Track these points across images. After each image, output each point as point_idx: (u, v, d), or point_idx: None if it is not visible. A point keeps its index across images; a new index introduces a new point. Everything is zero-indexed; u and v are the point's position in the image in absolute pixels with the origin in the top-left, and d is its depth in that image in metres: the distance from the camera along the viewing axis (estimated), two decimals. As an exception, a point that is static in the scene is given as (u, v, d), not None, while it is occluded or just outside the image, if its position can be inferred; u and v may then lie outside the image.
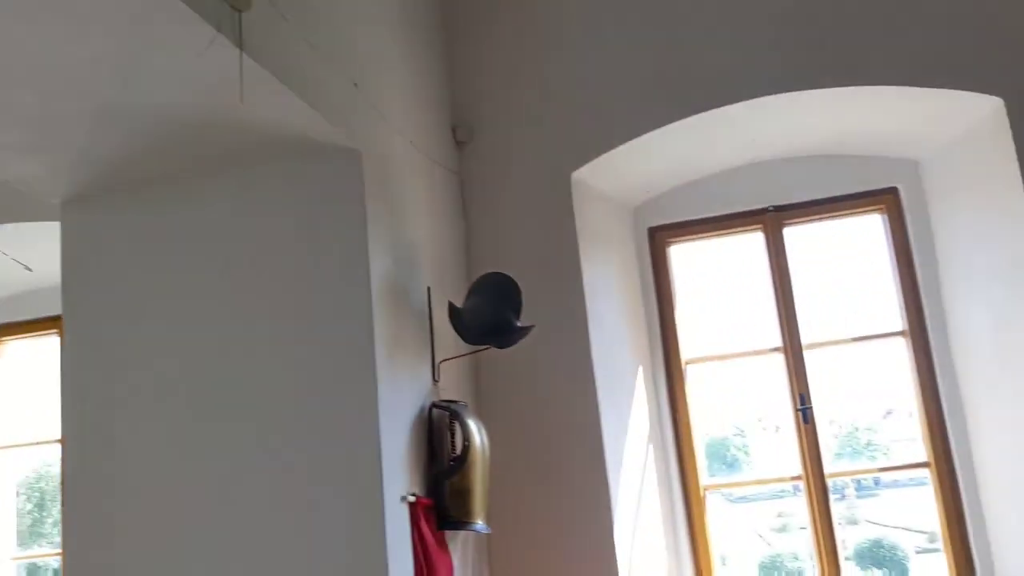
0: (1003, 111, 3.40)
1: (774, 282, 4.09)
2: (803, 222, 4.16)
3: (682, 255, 4.32)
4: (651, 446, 3.97)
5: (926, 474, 3.90)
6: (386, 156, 3.13)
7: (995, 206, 3.51)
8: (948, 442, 3.81)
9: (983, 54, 3.47)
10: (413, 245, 3.24)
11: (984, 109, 3.49)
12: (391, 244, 3.04)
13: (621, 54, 3.85)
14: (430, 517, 2.93)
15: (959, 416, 3.78)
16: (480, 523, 3.10)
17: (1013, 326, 3.47)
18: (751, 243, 4.22)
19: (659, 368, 4.14)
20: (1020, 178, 3.34)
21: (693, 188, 4.21)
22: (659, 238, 4.27)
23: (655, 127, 3.71)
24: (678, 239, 4.27)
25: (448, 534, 3.08)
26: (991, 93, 3.42)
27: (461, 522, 3.03)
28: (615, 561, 3.43)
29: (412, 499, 2.83)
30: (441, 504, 3.00)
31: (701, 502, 4.02)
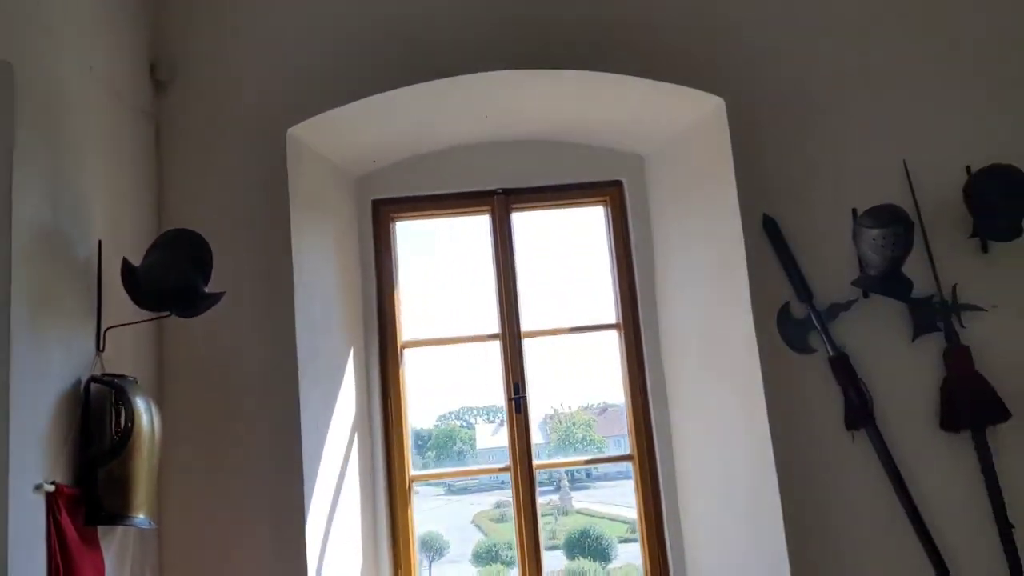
0: (723, 111, 3.45)
1: (497, 267, 3.96)
2: (531, 208, 4.06)
3: (407, 232, 4.09)
4: (357, 434, 3.70)
5: (633, 469, 3.92)
6: (52, 80, 2.62)
7: (709, 205, 3.57)
8: (652, 436, 3.85)
9: (709, 53, 3.52)
10: (83, 191, 2.75)
11: (706, 108, 3.53)
12: (49, 185, 2.54)
13: (352, 6, 3.54)
14: (75, 510, 2.48)
15: (664, 411, 3.84)
16: (142, 517, 2.67)
17: (717, 326, 3.55)
18: (478, 225, 4.06)
19: (373, 350, 3.88)
20: (734, 179, 3.40)
21: (422, 163, 3.99)
22: (383, 212, 4.01)
23: (382, 90, 3.44)
24: (403, 215, 4.03)
25: (102, 530, 2.63)
26: (714, 92, 3.46)
27: (117, 515, 2.60)
28: (304, 558, 3.12)
29: (51, 488, 2.36)
30: (93, 495, 2.54)
31: (406, 493, 3.80)
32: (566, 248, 4.27)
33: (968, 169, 3.40)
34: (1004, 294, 3.36)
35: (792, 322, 3.36)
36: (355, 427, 3.69)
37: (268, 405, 3.24)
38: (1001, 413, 3.25)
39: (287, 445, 3.20)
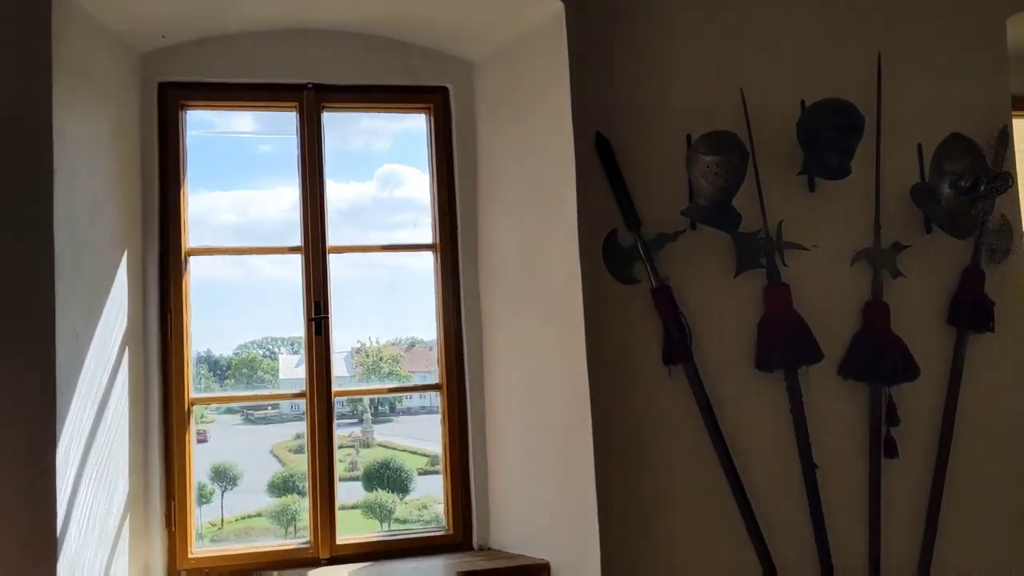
0: (563, 19, 3.17)
1: (303, 171, 3.54)
2: (344, 109, 3.65)
3: (199, 124, 3.59)
4: (129, 349, 3.22)
5: (440, 399, 3.68)
6: None
7: (540, 121, 3.31)
8: (463, 365, 3.61)
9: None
10: None
11: (544, 14, 3.24)
12: None
13: None
14: None
15: (477, 340, 3.60)
16: None
17: (538, 249, 3.33)
18: (283, 123, 3.62)
19: (152, 256, 3.39)
20: (568, 94, 3.14)
21: (221, 44, 3.48)
22: (171, 97, 3.48)
23: (174, -54, 2.92)
24: (196, 103, 3.52)
25: None
26: (555, -6, 3.18)
27: None
28: (52, 482, 2.66)
29: None
30: None
31: (185, 417, 3.37)
32: (382, 156, 3.91)
33: (803, 103, 3.31)
34: (826, 235, 3.32)
35: (618, 250, 3.19)
36: (127, 342, 3.21)
37: (16, 307, 2.72)
38: (814, 354, 3.23)
39: (38, 355, 2.70)
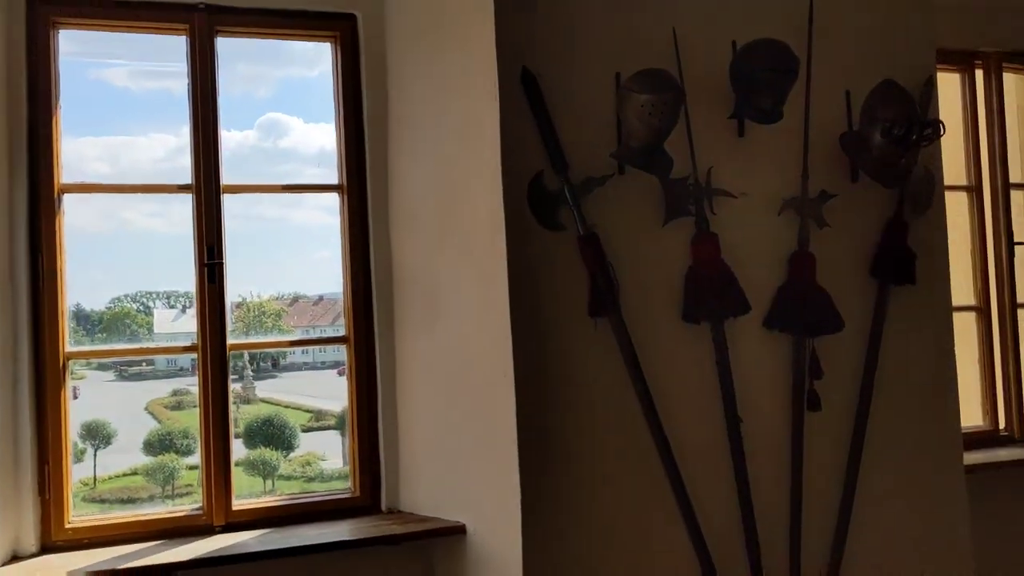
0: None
1: (194, 100, 3.19)
2: (241, 34, 3.31)
3: (76, 45, 3.19)
4: (-7, 296, 2.84)
5: (331, 357, 3.42)
6: None
7: (460, 53, 3.06)
8: (372, 318, 3.36)
9: None
10: None
11: (468, -66, 2.98)
12: None
13: None
14: None
15: (387, 287, 3.36)
16: None
17: (458, 193, 3.10)
18: (174, 47, 3.25)
19: (20, 194, 3.00)
20: (492, 23, 2.89)
21: (99, -46, 3.08)
22: (41, 15, 3.07)
23: None
24: (69, 21, 3.12)
25: None
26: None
27: None
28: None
29: None
30: None
31: (60, 373, 3.02)
32: (287, 88, 3.58)
33: (734, 45, 3.17)
34: (754, 183, 3.21)
35: (544, 195, 2.98)
36: (-11, 288, 2.83)
37: None
38: (741, 306, 3.13)
39: None
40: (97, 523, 3.07)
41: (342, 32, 3.38)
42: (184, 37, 3.22)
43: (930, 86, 3.42)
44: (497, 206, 2.89)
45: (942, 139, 3.33)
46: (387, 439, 3.34)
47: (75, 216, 3.13)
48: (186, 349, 3.23)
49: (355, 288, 3.36)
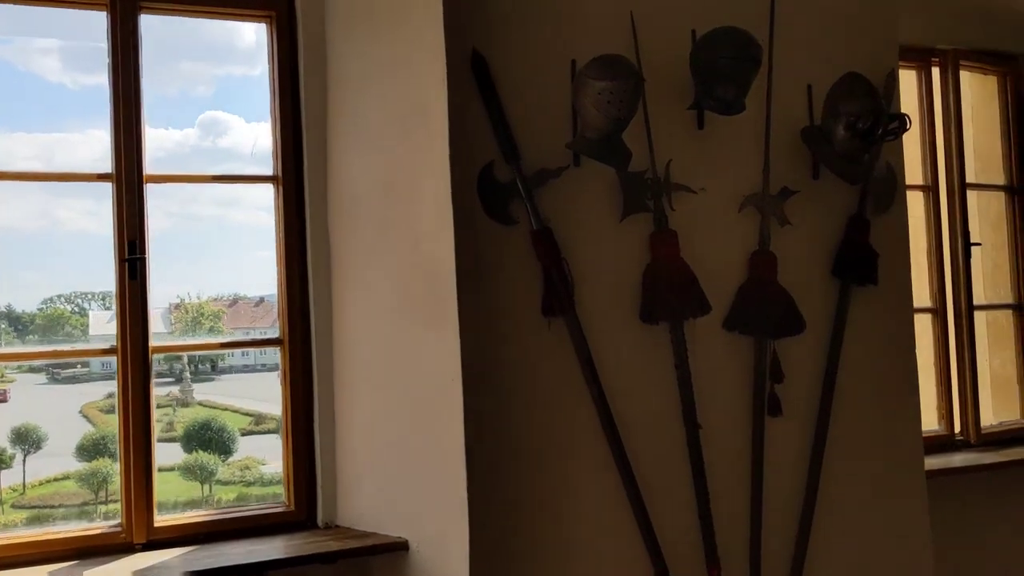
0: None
1: (115, 82, 2.94)
2: (166, 11, 3.06)
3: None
4: None
5: (272, 360, 3.19)
6: None
7: (405, 34, 2.86)
8: (308, 318, 3.14)
9: None
10: None
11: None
12: None
13: None
14: None
15: (326, 286, 3.13)
16: None
17: (403, 184, 2.90)
18: (96, 24, 2.99)
19: (-83, 178, 2.72)
20: (440, 2, 2.71)
21: (8, -82, 2.81)
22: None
23: None
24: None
25: None
26: None
27: None
28: None
29: None
30: None
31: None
32: (217, 70, 3.34)
33: (694, 34, 3.02)
34: (714, 177, 3.07)
35: (495, 186, 2.80)
36: None
37: None
38: (701, 306, 2.98)
39: None
40: (9, 542, 2.79)
41: (278, 12, 3.15)
42: (104, 13, 2.96)
43: (892, 80, 3.32)
44: (444, 198, 2.70)
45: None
46: (324, 449, 3.11)
47: (4, 215, 2.86)
48: (105, 352, 2.98)
49: (290, 287, 3.13)
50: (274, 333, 3.23)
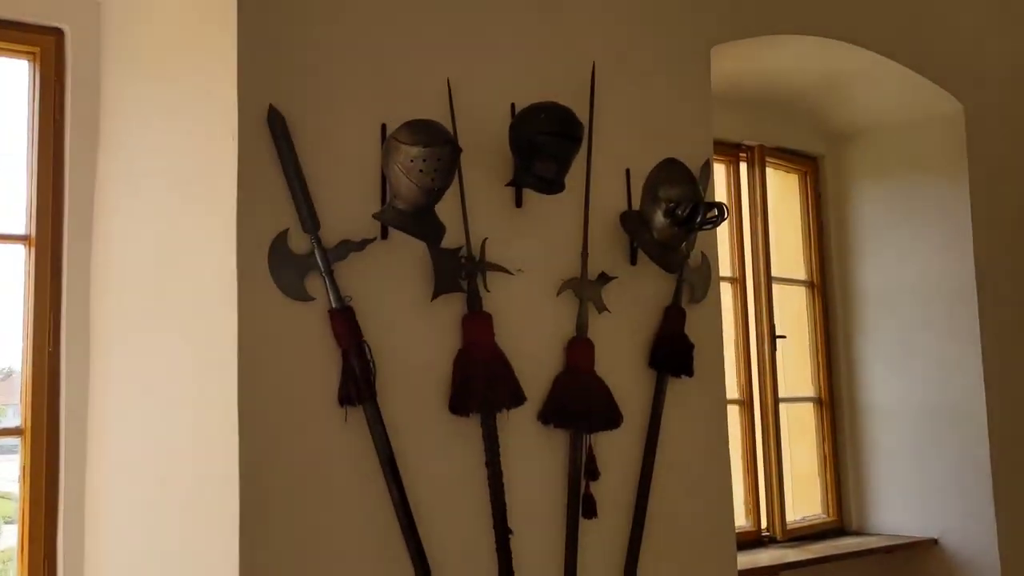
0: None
1: None
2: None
3: None
4: None
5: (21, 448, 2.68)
6: None
7: (194, 84, 2.54)
8: (58, 405, 2.67)
9: None
10: None
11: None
12: None
13: None
14: None
15: (82, 367, 2.68)
16: None
17: (181, 250, 2.54)
18: None
19: None
20: (235, 52, 2.40)
21: None
22: None
23: None
24: None
25: None
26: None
27: None
28: None
29: None
30: None
31: None
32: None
33: (513, 107, 2.86)
34: (532, 259, 2.88)
35: (289, 258, 2.47)
36: None
37: None
38: (516, 397, 2.74)
39: None
40: None
41: (43, 48, 2.75)
42: None
43: (708, 168, 3.30)
44: (230, 268, 2.35)
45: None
46: (69, 563, 2.60)
47: None
48: None
49: (36, 367, 2.65)
50: (15, 413, 2.72)
